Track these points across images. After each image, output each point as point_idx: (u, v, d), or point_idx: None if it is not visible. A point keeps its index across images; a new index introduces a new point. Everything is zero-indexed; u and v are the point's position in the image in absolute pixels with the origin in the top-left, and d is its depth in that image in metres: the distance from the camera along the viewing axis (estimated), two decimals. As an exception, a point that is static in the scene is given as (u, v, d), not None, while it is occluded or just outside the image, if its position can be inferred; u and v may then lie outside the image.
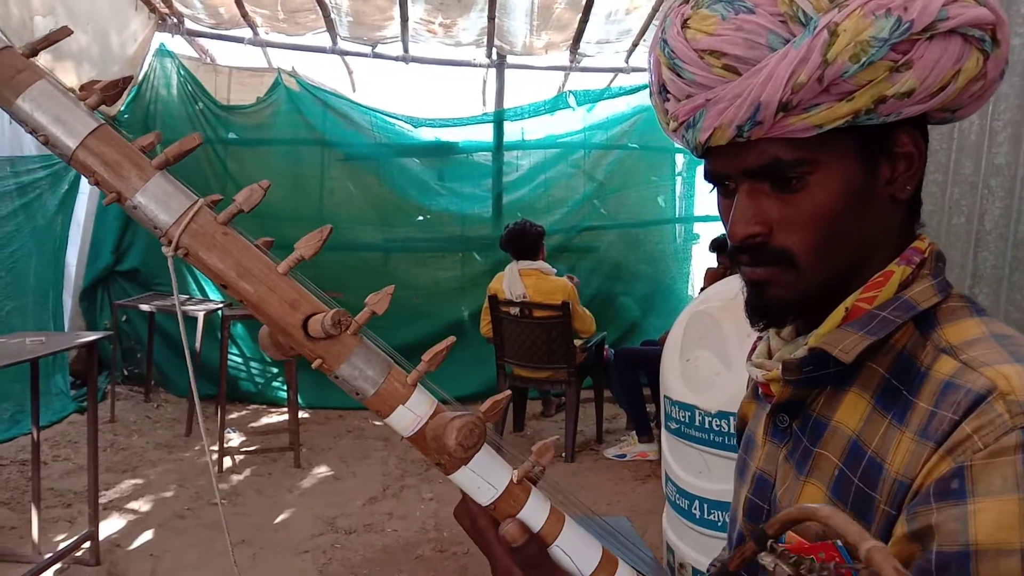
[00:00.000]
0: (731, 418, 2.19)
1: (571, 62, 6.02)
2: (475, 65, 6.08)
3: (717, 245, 4.66)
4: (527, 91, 6.26)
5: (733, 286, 2.43)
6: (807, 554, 0.79)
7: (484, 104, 6.36)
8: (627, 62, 6.10)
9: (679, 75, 0.76)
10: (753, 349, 0.92)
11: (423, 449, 0.66)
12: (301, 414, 4.85)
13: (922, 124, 0.79)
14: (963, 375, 0.68)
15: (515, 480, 0.67)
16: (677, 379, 2.38)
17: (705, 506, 2.26)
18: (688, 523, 2.33)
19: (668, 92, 0.84)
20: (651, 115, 6.15)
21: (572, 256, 5.94)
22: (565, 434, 4.66)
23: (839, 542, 0.75)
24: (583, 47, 5.81)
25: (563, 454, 4.62)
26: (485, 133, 6.10)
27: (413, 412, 0.64)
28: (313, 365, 0.62)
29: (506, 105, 6.10)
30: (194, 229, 0.59)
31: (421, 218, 6.07)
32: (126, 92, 0.68)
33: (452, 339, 0.68)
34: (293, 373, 4.51)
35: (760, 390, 0.89)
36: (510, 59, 6.02)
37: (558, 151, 6.20)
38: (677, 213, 6.44)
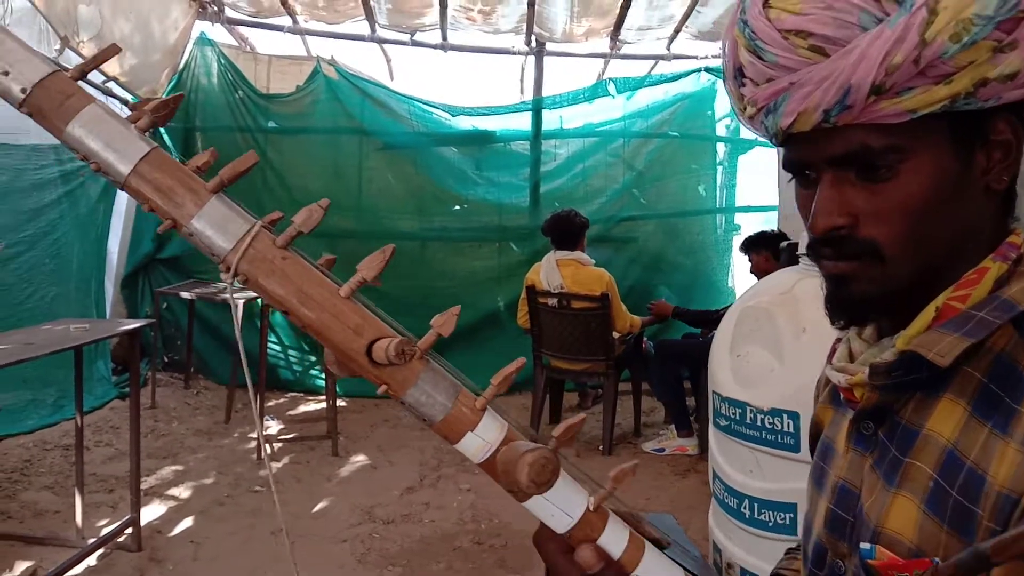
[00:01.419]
0: (784, 415, 2.12)
1: (611, 49, 5.93)
2: (514, 53, 6.02)
3: (749, 244, 4.56)
4: (566, 79, 6.19)
5: (785, 280, 2.35)
6: (901, 571, 0.73)
7: (522, 92, 6.30)
8: (668, 49, 6.00)
9: (760, 57, 0.72)
10: (833, 352, 0.87)
11: (495, 477, 0.62)
12: (338, 402, 4.86)
13: (1020, 110, 0.73)
14: None
15: (591, 508, 0.63)
16: (727, 375, 2.32)
17: (755, 505, 2.20)
18: (737, 522, 2.28)
19: (745, 76, 0.78)
20: (692, 103, 6.06)
21: (611, 247, 5.86)
22: (603, 427, 4.61)
23: (937, 560, 0.69)
24: (624, 34, 5.72)
25: (600, 447, 4.58)
26: (523, 122, 6.05)
27: (482, 439, 0.61)
28: (379, 391, 0.60)
29: (544, 93, 6.04)
30: (252, 255, 0.56)
31: (458, 207, 6.05)
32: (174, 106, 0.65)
33: (522, 361, 0.65)
34: (331, 363, 4.51)
35: (842, 395, 0.84)
36: (549, 46, 5.95)
37: (597, 140, 6.12)
38: (718, 203, 6.33)
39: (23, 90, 0.53)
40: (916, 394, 0.75)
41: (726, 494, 2.33)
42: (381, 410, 5.32)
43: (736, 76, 0.81)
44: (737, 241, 6.39)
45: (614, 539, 0.64)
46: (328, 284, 0.58)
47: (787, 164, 0.80)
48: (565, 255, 4.60)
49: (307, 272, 0.58)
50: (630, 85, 5.98)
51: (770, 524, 2.16)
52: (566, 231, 4.60)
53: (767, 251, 4.38)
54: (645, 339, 4.96)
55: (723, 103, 6.23)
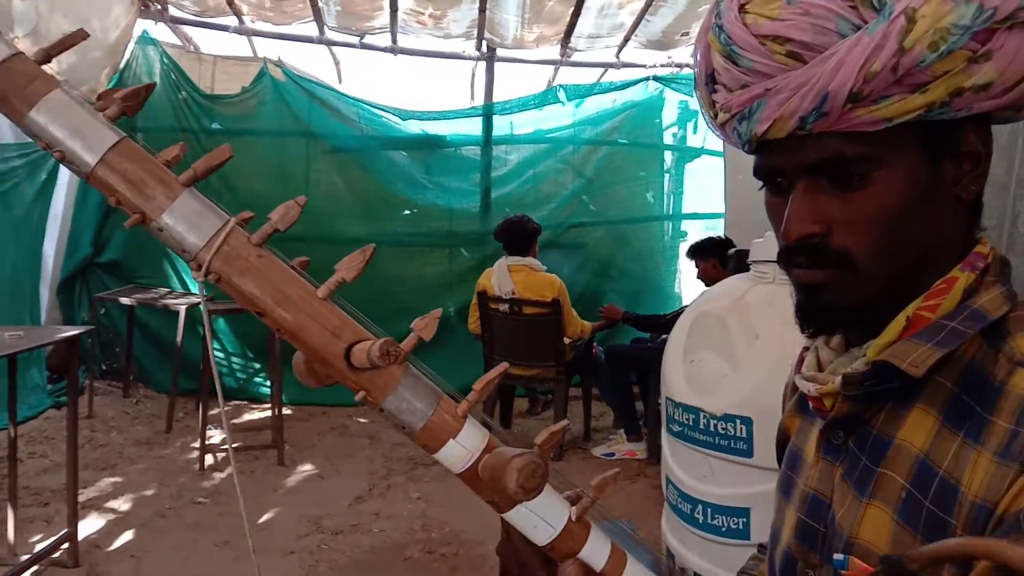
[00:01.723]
0: (737, 421, 2.14)
1: (562, 56, 5.96)
2: (464, 58, 6.00)
3: (696, 250, 4.61)
4: (516, 85, 6.20)
5: (737, 287, 2.38)
6: (873, 580, 0.73)
7: (472, 98, 6.29)
8: (618, 57, 6.05)
9: (735, 63, 0.71)
10: (800, 361, 0.87)
11: (475, 487, 0.59)
12: (284, 410, 4.76)
13: (987, 122, 0.74)
14: None
15: (573, 518, 0.61)
16: (680, 381, 2.33)
17: (709, 511, 2.21)
18: (690, 527, 2.29)
19: (717, 82, 0.78)
20: (641, 111, 6.12)
21: (560, 252, 5.88)
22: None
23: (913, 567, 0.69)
24: (574, 41, 5.75)
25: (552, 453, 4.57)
26: (474, 127, 6.03)
27: (464, 447, 0.59)
28: (357, 397, 0.57)
29: (495, 99, 6.03)
30: (226, 252, 0.53)
31: (408, 212, 5.99)
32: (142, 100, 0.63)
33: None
34: (277, 368, 4.42)
35: (811, 404, 0.84)
36: (500, 52, 5.95)
37: (547, 146, 6.14)
38: (666, 210, 6.40)
39: (-19, 71, 0.49)
40: (887, 404, 0.75)
41: (679, 499, 2.34)
42: (328, 418, 5.24)
43: (708, 82, 0.80)
44: (684, 248, 6.49)
45: (597, 550, 0.62)
46: (305, 284, 0.56)
47: (759, 171, 0.79)
48: (517, 261, 4.59)
49: (283, 271, 0.55)
50: (580, 92, 6.01)
51: (723, 529, 2.18)
52: (518, 236, 4.60)
53: (714, 258, 4.44)
54: (595, 344, 4.98)
55: (671, 112, 6.32)
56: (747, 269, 3.58)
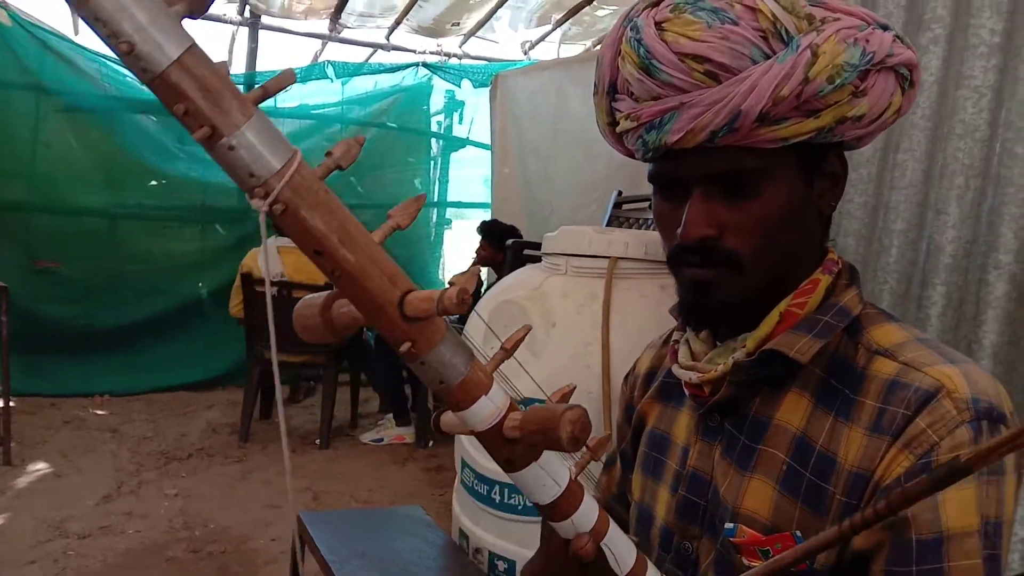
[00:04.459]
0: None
1: (330, 31, 5.77)
2: (225, 21, 5.60)
3: (485, 230, 4.72)
4: (281, 56, 5.91)
5: (534, 277, 2.48)
6: (763, 547, 0.83)
7: (231, 64, 5.88)
8: (388, 39, 5.99)
9: (651, 75, 0.77)
10: (674, 352, 0.95)
11: (493, 445, 0.60)
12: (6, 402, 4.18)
13: (842, 148, 0.86)
14: (907, 375, 0.75)
15: (574, 476, 0.63)
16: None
17: (506, 490, 2.29)
18: (487, 508, 2.36)
19: (620, 92, 0.83)
20: (410, 96, 6.11)
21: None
22: (321, 420, 4.50)
23: (797, 532, 0.80)
24: (344, 18, 5.59)
25: (317, 440, 4.47)
26: (233, 96, 5.64)
27: (495, 403, 0.59)
28: (402, 349, 0.55)
29: (258, 68, 5.70)
30: (298, 182, 0.49)
31: (155, 183, 5.48)
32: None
33: (529, 327, 0.62)
34: (4, 356, 3.84)
35: (688, 391, 0.92)
36: (265, 19, 5.63)
37: (313, 122, 5.93)
38: (432, 197, 6.47)
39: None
40: (764, 389, 0.85)
41: (476, 481, 2.41)
42: (59, 411, 4.69)
43: (610, 91, 0.85)
44: (449, 235, 6.61)
45: (589, 508, 0.64)
46: (363, 227, 0.53)
47: (657, 177, 0.86)
48: (287, 241, 4.35)
49: (346, 211, 0.52)
50: (349, 71, 5.87)
51: (520, 508, 2.27)
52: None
53: (497, 243, 4.54)
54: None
55: (438, 100, 6.38)
56: (522, 259, 3.76)
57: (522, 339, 0.60)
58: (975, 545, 0.69)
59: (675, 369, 0.92)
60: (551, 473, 0.61)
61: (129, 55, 0.44)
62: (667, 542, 0.93)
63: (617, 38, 0.82)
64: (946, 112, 1.37)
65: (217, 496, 3.64)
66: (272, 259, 4.35)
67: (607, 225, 3.48)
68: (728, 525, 0.83)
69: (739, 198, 0.79)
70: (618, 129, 0.85)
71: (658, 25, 0.77)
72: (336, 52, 6.02)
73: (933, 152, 1.39)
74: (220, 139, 0.47)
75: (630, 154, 0.89)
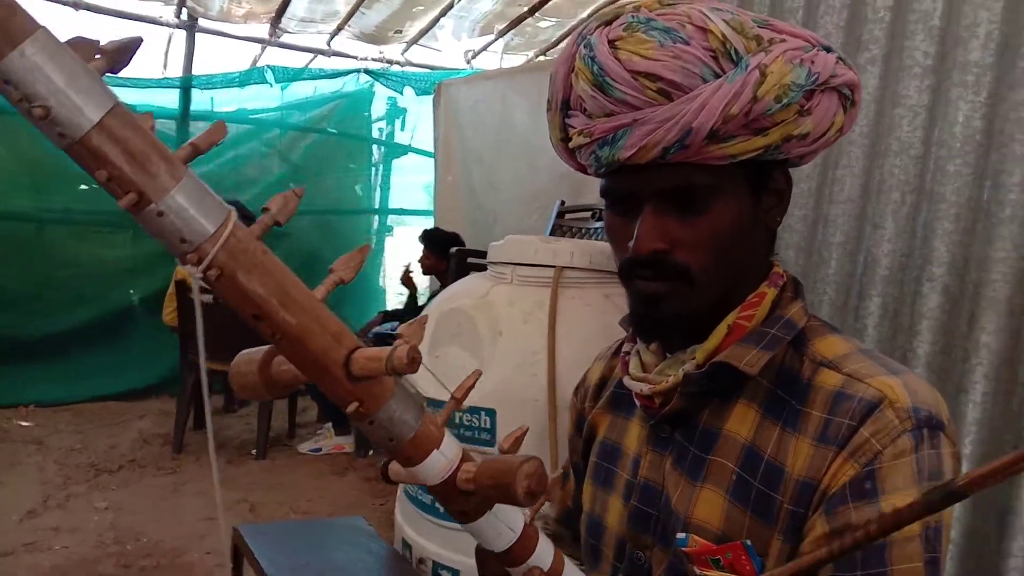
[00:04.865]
0: (482, 413, 2.23)
1: (271, 36, 5.68)
2: (161, 23, 5.46)
3: (428, 239, 4.67)
4: (217, 61, 5.79)
5: (480, 286, 2.48)
6: (714, 555, 0.84)
7: (166, 67, 5.75)
8: (329, 45, 5.93)
9: (604, 92, 0.78)
10: (624, 364, 0.96)
11: (446, 498, 0.58)
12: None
13: (787, 165, 0.89)
14: (852, 386, 0.78)
15: (528, 521, 0.63)
16: (425, 375, 2.37)
17: (451, 501, 2.29)
18: (431, 518, 2.34)
19: (573, 108, 0.85)
20: (351, 102, 6.06)
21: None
22: (257, 430, 4.41)
23: (747, 541, 0.81)
24: (285, 22, 5.52)
25: (254, 451, 4.38)
26: (169, 99, 5.49)
27: (446, 457, 0.56)
28: (349, 410, 0.52)
29: (194, 72, 5.57)
30: (233, 245, 0.46)
31: (85, 187, 5.28)
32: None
33: (479, 372, 0.61)
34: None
35: (639, 402, 0.93)
36: (202, 23, 5.50)
37: (251, 127, 5.81)
38: (373, 204, 6.42)
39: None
40: (713, 400, 0.87)
41: (420, 491, 2.39)
42: (-22, 421, 4.49)
43: (563, 107, 0.87)
44: (391, 242, 6.56)
45: (545, 550, 0.64)
46: (304, 285, 0.50)
47: (609, 192, 0.87)
48: (224, 249, 4.31)
49: (285, 270, 0.49)
50: (289, 76, 5.79)
51: (465, 518, 2.27)
52: (227, 222, 4.31)
53: (440, 250, 4.49)
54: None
55: (380, 106, 6.35)
56: (466, 267, 3.75)
57: (472, 386, 0.59)
58: (917, 549, 0.72)
59: (626, 380, 0.93)
60: (506, 520, 0.61)
61: (44, 120, 0.41)
62: (620, 552, 0.94)
63: (571, 55, 0.83)
64: (883, 130, 1.42)
65: (149, 509, 3.53)
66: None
67: (550, 234, 3.50)
68: (680, 535, 0.85)
69: (689, 213, 0.81)
70: (571, 144, 0.86)
71: (611, 43, 0.78)
72: (276, 57, 5.94)
73: (870, 168, 1.44)
74: (148, 205, 0.44)
75: (582, 169, 0.90)
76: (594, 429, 1.04)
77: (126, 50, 0.43)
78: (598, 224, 3.39)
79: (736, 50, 0.75)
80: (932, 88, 1.37)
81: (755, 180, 0.84)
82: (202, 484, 3.87)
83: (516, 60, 6.07)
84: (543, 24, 5.56)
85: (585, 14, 5.39)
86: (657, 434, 0.91)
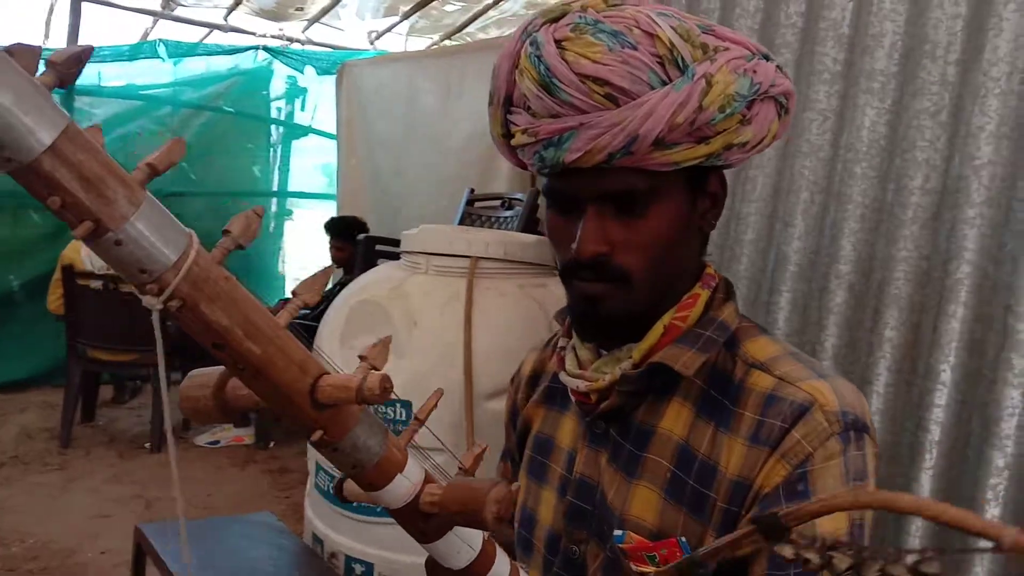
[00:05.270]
0: (397, 405, 2.21)
1: (163, 8, 5.40)
2: (42, -9, 5.10)
3: (336, 229, 4.51)
4: (105, 32, 5.46)
5: (394, 276, 2.45)
6: (650, 552, 0.87)
7: (48, 37, 5.38)
8: (226, 20, 5.68)
9: (550, 94, 0.78)
10: (560, 360, 0.97)
11: (406, 520, 0.57)
12: None
13: (722, 169, 0.92)
14: (783, 389, 0.81)
15: (486, 536, 0.62)
16: (338, 367, 2.33)
17: (366, 493, 2.26)
18: (343, 511, 2.31)
19: (516, 105, 0.84)
20: (248, 80, 5.84)
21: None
22: (152, 422, 4.24)
23: (683, 539, 0.84)
24: (179, -6, 5.26)
25: (148, 444, 4.20)
26: (50, 72, 5.15)
27: (410, 480, 0.55)
28: (313, 437, 0.50)
29: (80, 43, 5.23)
30: (195, 274, 0.43)
31: (-43, 164, 4.91)
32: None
33: (441, 391, 0.60)
34: None
35: (574, 398, 0.95)
36: (89, -8, 5.18)
37: (141, 104, 5.52)
38: (272, 186, 6.22)
39: None
40: (648, 398, 0.89)
41: (331, 485, 2.35)
42: None
43: (505, 103, 0.86)
44: (290, 226, 6.38)
45: (503, 564, 0.64)
46: (267, 312, 0.48)
47: (553, 193, 0.87)
48: (114, 232, 4.08)
49: (248, 297, 0.46)
50: (182, 51, 5.52)
51: (378, 510, 2.22)
52: (117, 205, 4.08)
53: (348, 239, 4.36)
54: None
55: (279, 85, 6.14)
56: (374, 255, 3.69)
57: (434, 407, 0.58)
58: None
59: (562, 376, 0.94)
60: (465, 539, 0.60)
61: None
62: (552, 545, 0.95)
63: (515, 51, 0.82)
64: (794, 132, 1.48)
65: (36, 508, 3.34)
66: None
67: (459, 222, 3.49)
68: (617, 532, 0.86)
69: (630, 216, 0.82)
70: (513, 142, 0.85)
71: (558, 43, 0.77)
72: (168, 30, 5.64)
73: (782, 169, 1.50)
74: (105, 234, 0.41)
75: (522, 165, 0.90)
76: (528, 422, 1.05)
77: (75, 61, 0.39)
78: (508, 212, 3.39)
79: (683, 58, 0.75)
80: (840, 94, 1.44)
81: (692, 184, 0.85)
82: (93, 480, 3.70)
83: (421, 43, 5.99)
84: (449, 8, 5.50)
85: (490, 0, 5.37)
86: (592, 430, 0.92)
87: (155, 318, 0.42)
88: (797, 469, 0.77)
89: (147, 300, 0.42)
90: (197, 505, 3.56)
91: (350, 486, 0.61)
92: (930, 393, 1.29)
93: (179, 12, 5.49)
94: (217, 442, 4.36)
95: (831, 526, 0.76)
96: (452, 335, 2.22)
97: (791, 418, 0.78)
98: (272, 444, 4.32)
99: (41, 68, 0.40)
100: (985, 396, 1.24)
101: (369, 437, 0.52)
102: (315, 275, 0.50)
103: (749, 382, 0.84)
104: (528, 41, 0.80)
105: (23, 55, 0.39)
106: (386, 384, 0.47)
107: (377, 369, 0.53)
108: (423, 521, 0.56)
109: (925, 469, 1.29)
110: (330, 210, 5.14)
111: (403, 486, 0.54)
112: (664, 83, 0.76)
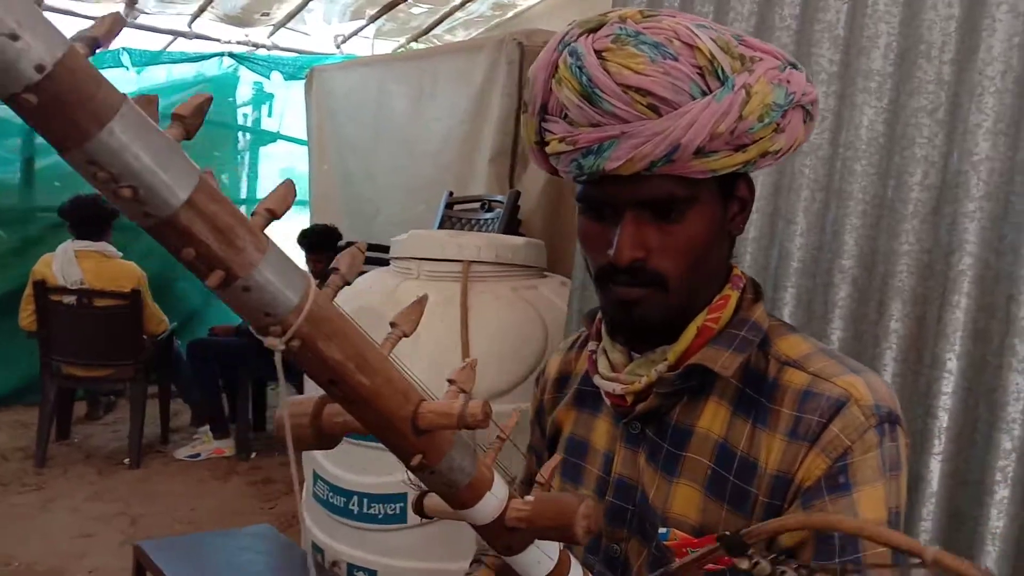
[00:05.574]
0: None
1: (126, 16, 5.31)
2: None
3: (311, 241, 4.34)
4: (65, 40, 5.32)
5: (387, 283, 2.45)
6: (694, 548, 0.89)
7: (4, 47, 5.25)
8: (190, 27, 5.60)
9: (592, 103, 0.79)
10: (592, 363, 0.99)
11: (491, 534, 0.58)
12: None
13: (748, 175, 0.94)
14: (818, 385, 0.84)
15: (561, 547, 0.64)
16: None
17: (365, 501, 2.26)
18: (344, 520, 2.31)
19: (552, 113, 0.86)
20: (214, 87, 5.76)
21: (122, 235, 5.27)
22: (130, 437, 4.17)
23: (726, 534, 0.86)
24: (142, 2, 5.16)
25: (126, 460, 4.13)
26: (10, 83, 5.02)
27: (498, 497, 0.56)
28: (413, 462, 0.51)
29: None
30: (314, 313, 0.43)
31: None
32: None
33: (520, 411, 0.61)
34: None
35: (609, 401, 0.97)
36: (49, 2, 5.06)
37: (106, 114, 5.41)
38: (241, 194, 6.14)
39: (39, 67, 0.33)
40: (683, 398, 0.91)
41: (331, 494, 2.34)
42: None
43: (540, 111, 0.88)
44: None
45: (576, 573, 0.65)
46: (374, 344, 0.48)
47: (588, 199, 0.89)
48: (87, 246, 4.00)
49: (359, 331, 0.47)
50: (146, 59, 5.43)
51: (380, 516, 2.24)
52: (89, 217, 3.99)
53: (327, 251, 4.24)
54: (175, 339, 4.60)
55: (246, 91, 6.07)
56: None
57: (515, 424, 0.60)
58: None
59: (597, 380, 0.96)
60: (545, 550, 0.61)
61: (131, 200, 0.37)
62: (594, 545, 0.97)
63: (552, 61, 0.83)
64: (793, 132, 1.51)
65: (17, 530, 3.27)
66: (70, 265, 3.96)
67: (439, 226, 3.48)
68: (661, 530, 0.89)
69: (666, 222, 0.84)
70: (548, 150, 0.87)
71: (599, 54, 0.78)
72: (132, 39, 5.55)
73: (782, 168, 1.53)
74: (235, 281, 0.41)
75: (554, 171, 0.91)
76: (559, 425, 1.06)
77: (200, 113, 0.40)
78: (488, 214, 3.40)
79: (722, 68, 0.77)
80: (838, 94, 1.47)
81: (724, 189, 0.88)
82: (74, 499, 3.63)
83: (388, 46, 5.96)
84: (416, 11, 5.49)
85: (457, 1, 5.37)
86: (628, 431, 0.94)
87: (277, 359, 0.43)
88: (837, 462, 0.80)
89: (269, 341, 0.42)
90: (181, 520, 3.51)
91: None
92: (937, 381, 1.33)
93: (142, 20, 5.40)
94: (198, 455, 4.30)
95: (873, 516, 0.79)
96: (449, 340, 2.23)
97: (828, 413, 0.81)
98: (253, 455, 4.27)
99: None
100: (991, 382, 1.28)
101: (463, 458, 0.53)
102: (411, 306, 0.51)
103: (784, 379, 0.87)
104: (567, 51, 0.81)
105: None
106: (487, 409, 0.48)
107: (466, 392, 0.54)
108: (508, 535, 0.58)
109: (935, 455, 1.33)
110: (301, 216, 5.08)
111: (491, 503, 0.55)
112: (704, 93, 0.78)
